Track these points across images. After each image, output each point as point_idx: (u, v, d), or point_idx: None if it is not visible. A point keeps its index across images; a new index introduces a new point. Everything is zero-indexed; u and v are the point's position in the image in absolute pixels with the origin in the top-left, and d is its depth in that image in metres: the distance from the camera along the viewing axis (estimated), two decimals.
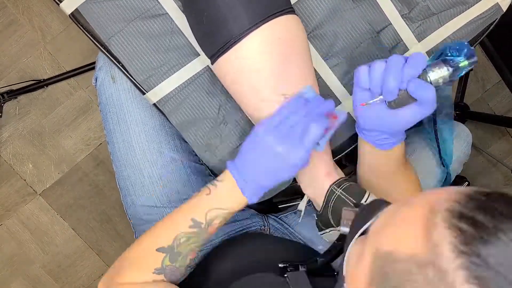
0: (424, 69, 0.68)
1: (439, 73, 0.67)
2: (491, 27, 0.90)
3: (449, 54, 0.69)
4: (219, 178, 0.76)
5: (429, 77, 0.67)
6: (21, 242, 1.64)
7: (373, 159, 0.82)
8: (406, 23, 0.88)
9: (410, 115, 0.71)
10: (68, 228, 1.65)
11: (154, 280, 0.78)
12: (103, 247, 1.66)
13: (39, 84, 1.56)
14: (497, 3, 0.87)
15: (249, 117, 0.86)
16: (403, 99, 0.69)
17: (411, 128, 0.76)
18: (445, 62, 0.68)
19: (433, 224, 0.44)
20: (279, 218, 1.06)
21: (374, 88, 0.70)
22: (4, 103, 1.56)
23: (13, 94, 1.55)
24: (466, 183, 1.64)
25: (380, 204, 0.58)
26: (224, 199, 0.75)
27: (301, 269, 0.77)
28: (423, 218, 0.45)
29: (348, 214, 0.65)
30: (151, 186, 0.93)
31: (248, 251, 0.91)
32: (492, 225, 0.42)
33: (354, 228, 0.59)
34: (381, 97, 0.70)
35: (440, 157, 0.94)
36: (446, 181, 0.99)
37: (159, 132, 0.93)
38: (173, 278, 0.79)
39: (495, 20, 0.89)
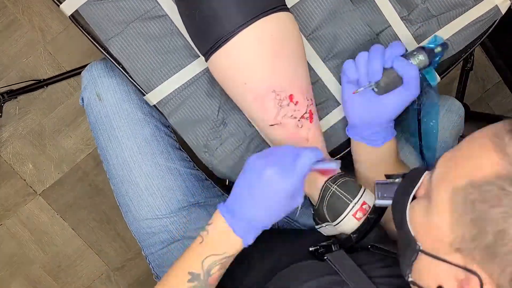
0: (403, 55, 0.77)
1: (418, 58, 0.77)
2: (490, 29, 0.90)
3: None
4: (209, 221, 0.72)
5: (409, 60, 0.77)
6: (21, 242, 1.64)
7: (367, 160, 0.83)
8: (406, 25, 0.88)
9: (398, 98, 0.78)
10: (68, 228, 1.65)
11: None
12: (103, 247, 1.66)
13: (39, 84, 1.56)
14: (496, 5, 0.87)
15: (245, 114, 0.87)
16: (390, 82, 0.76)
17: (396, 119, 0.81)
18: (423, 49, 0.78)
19: (504, 144, 0.50)
20: None
21: (361, 76, 0.78)
22: (4, 103, 1.56)
23: (13, 94, 1.55)
24: None
25: (421, 170, 0.62)
26: (217, 244, 0.71)
27: (334, 248, 0.76)
28: (491, 143, 0.51)
29: (382, 188, 0.68)
30: (150, 199, 0.93)
31: (267, 248, 0.89)
32: None
33: (402, 195, 0.62)
34: (370, 83, 0.77)
35: (421, 151, 0.94)
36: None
37: (151, 143, 0.93)
38: None
39: (495, 22, 0.89)
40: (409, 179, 0.62)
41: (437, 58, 0.79)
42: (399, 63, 0.75)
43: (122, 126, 0.92)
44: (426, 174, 0.60)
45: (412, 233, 0.58)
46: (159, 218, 0.93)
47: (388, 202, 0.67)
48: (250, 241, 0.70)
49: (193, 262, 0.71)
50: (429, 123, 0.89)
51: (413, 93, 0.77)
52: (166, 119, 0.89)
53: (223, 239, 0.70)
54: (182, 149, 0.99)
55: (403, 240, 0.61)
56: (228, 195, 1.02)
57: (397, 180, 0.67)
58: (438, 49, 0.79)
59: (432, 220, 0.55)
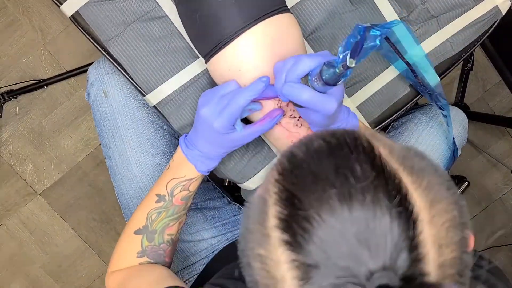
0: (309, 73, 0.67)
1: (309, 77, 0.66)
2: (490, 30, 0.90)
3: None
4: (175, 151, 0.82)
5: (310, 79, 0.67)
6: (21, 242, 1.64)
7: None
8: (404, 23, 0.88)
9: (313, 113, 0.70)
10: (68, 228, 1.65)
11: (140, 263, 0.82)
12: (103, 247, 1.66)
13: (39, 84, 1.56)
14: (497, 5, 0.87)
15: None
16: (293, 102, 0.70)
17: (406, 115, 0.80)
18: (326, 64, 0.63)
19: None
20: None
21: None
22: (4, 103, 1.56)
23: (13, 94, 1.55)
24: (466, 183, 1.64)
25: None
26: (178, 169, 0.80)
27: None
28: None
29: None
30: None
31: None
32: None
33: None
34: None
35: (437, 105, 0.93)
36: (454, 159, 1.00)
37: (153, 143, 0.94)
38: (158, 259, 0.83)
39: (495, 23, 0.89)
40: None
41: (362, 56, 0.59)
42: (289, 95, 0.68)
43: (126, 124, 0.93)
44: None
45: None
46: None
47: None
48: (203, 168, 0.80)
49: (159, 186, 0.81)
50: (412, 57, 0.86)
51: (323, 109, 0.68)
52: (167, 119, 0.89)
53: (182, 165, 0.80)
54: None
55: None
56: (229, 197, 1.02)
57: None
58: (340, 68, 0.60)
59: None
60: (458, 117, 1.00)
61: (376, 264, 0.40)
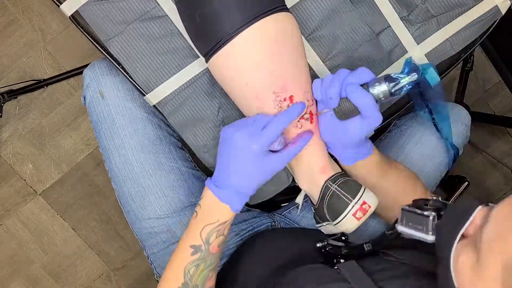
0: (367, 83, 0.73)
1: (379, 88, 0.72)
2: (490, 30, 0.90)
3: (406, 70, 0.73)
4: (201, 197, 0.77)
5: (369, 90, 0.72)
6: (21, 242, 1.64)
7: (352, 171, 0.83)
8: (405, 26, 0.88)
9: (357, 125, 0.75)
10: (68, 228, 1.65)
11: None
12: (103, 247, 1.66)
13: (39, 84, 1.56)
14: (496, 5, 0.87)
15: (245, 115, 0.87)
16: (347, 110, 0.74)
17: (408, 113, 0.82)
18: (387, 78, 0.72)
19: None
20: (283, 215, 1.07)
21: (322, 100, 0.77)
22: (4, 103, 1.56)
23: (13, 94, 1.55)
24: (466, 183, 1.64)
25: (472, 205, 0.54)
26: (209, 214, 0.75)
27: (343, 251, 0.75)
28: None
29: (408, 216, 0.63)
30: (152, 198, 0.92)
31: (273, 246, 0.90)
32: None
33: (445, 232, 0.56)
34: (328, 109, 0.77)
35: (438, 130, 0.95)
36: (454, 158, 1.00)
37: (153, 142, 0.93)
38: None
39: (495, 23, 0.89)
40: (455, 215, 0.56)
41: (404, 90, 0.72)
42: (352, 94, 0.72)
43: (125, 124, 0.91)
44: (479, 209, 0.52)
45: (455, 283, 0.53)
46: (161, 218, 0.93)
47: (411, 231, 0.62)
48: (238, 206, 0.75)
49: (192, 236, 0.75)
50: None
51: (373, 121, 0.74)
52: (166, 119, 0.89)
53: (213, 208, 0.75)
54: (184, 149, 0.99)
55: (442, 281, 0.56)
56: None
57: (426, 213, 0.61)
58: (405, 79, 0.72)
59: (481, 281, 0.49)
60: (460, 115, 1.01)
61: None
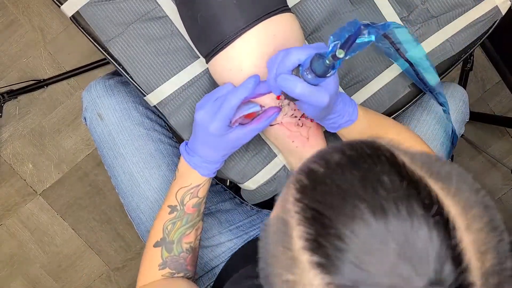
0: (301, 65, 0.66)
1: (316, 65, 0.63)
2: (490, 30, 0.90)
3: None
4: (179, 161, 0.83)
5: (303, 74, 0.66)
6: (21, 242, 1.64)
7: (343, 138, 0.83)
8: (405, 26, 0.88)
9: (303, 108, 0.71)
10: (68, 228, 1.65)
11: (162, 276, 0.83)
12: (103, 247, 1.66)
13: (39, 84, 1.56)
14: (496, 6, 0.87)
15: None
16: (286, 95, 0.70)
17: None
18: (319, 55, 0.63)
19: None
20: None
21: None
22: (4, 103, 1.56)
23: (13, 94, 1.55)
24: None
25: None
26: (183, 178, 0.82)
27: None
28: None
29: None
30: None
31: None
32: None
33: None
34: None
35: (438, 102, 0.92)
36: (453, 137, 0.99)
37: (155, 157, 0.95)
38: (180, 268, 0.84)
39: (495, 23, 0.89)
40: None
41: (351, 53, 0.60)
42: (282, 85, 0.67)
43: (125, 143, 0.94)
44: None
45: None
46: None
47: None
48: (205, 172, 0.80)
49: (170, 197, 0.83)
50: (413, 57, 0.86)
51: (316, 104, 0.68)
52: (167, 119, 0.89)
53: (186, 173, 0.81)
54: None
55: None
56: (239, 196, 1.03)
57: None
58: (330, 59, 0.60)
59: None
60: (457, 92, 1.00)
61: (422, 280, 0.38)
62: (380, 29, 0.61)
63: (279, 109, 0.77)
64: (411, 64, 0.86)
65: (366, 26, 0.60)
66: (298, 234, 0.43)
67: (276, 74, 0.68)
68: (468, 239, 0.40)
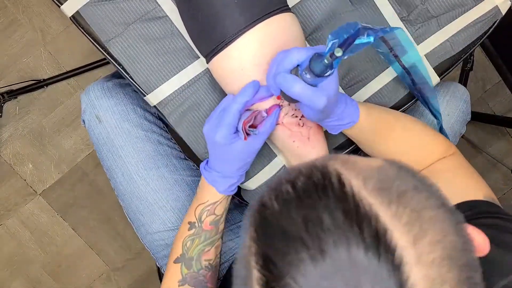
0: (300, 65, 0.66)
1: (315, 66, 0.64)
2: (490, 30, 0.90)
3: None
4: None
5: (302, 74, 0.66)
6: (21, 242, 1.64)
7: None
8: (405, 26, 0.88)
9: (303, 109, 0.71)
10: (68, 228, 1.65)
11: None
12: (103, 247, 1.66)
13: (39, 84, 1.56)
14: (496, 6, 0.87)
15: None
16: (285, 95, 0.70)
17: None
18: (317, 55, 0.63)
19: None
20: None
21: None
22: (4, 103, 1.56)
23: (13, 94, 1.55)
24: None
25: None
26: (202, 195, 0.82)
27: None
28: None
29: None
30: (160, 212, 0.95)
31: None
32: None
33: None
34: None
35: (431, 112, 0.92)
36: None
37: (154, 158, 0.95)
38: (200, 285, 0.84)
39: (495, 23, 0.89)
40: None
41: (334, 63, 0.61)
42: (281, 85, 0.67)
43: (124, 145, 0.94)
44: None
45: None
46: (171, 230, 0.95)
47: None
48: (222, 188, 0.81)
49: (190, 213, 0.83)
50: (409, 60, 0.86)
51: (314, 106, 0.67)
52: (167, 119, 0.89)
53: (204, 189, 0.82)
54: (187, 159, 1.01)
55: None
56: (240, 197, 1.03)
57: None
58: (328, 58, 0.61)
59: None
60: (459, 92, 0.99)
61: None
62: (379, 32, 0.62)
63: (279, 106, 0.77)
64: (406, 68, 0.86)
65: (366, 28, 0.60)
66: (255, 277, 0.41)
67: (275, 73, 0.68)
68: (418, 275, 0.37)
